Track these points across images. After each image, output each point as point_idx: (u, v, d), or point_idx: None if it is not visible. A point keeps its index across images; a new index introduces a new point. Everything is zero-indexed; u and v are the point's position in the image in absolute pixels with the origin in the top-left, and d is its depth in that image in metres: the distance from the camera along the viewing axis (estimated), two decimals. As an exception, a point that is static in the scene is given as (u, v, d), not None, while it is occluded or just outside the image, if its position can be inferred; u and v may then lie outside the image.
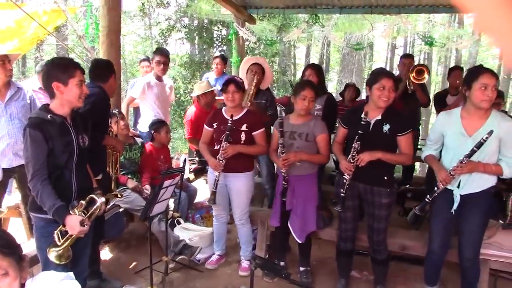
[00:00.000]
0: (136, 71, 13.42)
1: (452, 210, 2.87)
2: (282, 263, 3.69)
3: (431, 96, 5.52)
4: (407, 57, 5.29)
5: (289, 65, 15.46)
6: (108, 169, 3.12)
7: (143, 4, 11.69)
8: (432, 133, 3.03)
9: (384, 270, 3.35)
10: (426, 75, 4.58)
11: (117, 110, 3.69)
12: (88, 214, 2.38)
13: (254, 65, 4.30)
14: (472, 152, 2.63)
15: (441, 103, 4.97)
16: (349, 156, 2.94)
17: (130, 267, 3.79)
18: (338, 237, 3.38)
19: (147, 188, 4.05)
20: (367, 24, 9.70)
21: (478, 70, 2.76)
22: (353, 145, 2.91)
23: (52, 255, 2.30)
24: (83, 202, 2.39)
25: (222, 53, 11.54)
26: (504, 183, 3.50)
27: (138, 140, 4.39)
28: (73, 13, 7.80)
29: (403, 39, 21.80)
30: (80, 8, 9.61)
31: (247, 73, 4.30)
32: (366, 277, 3.66)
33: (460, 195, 2.83)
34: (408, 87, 4.61)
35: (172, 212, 4.04)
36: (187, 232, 4.02)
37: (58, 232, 2.33)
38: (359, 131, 2.89)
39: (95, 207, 2.40)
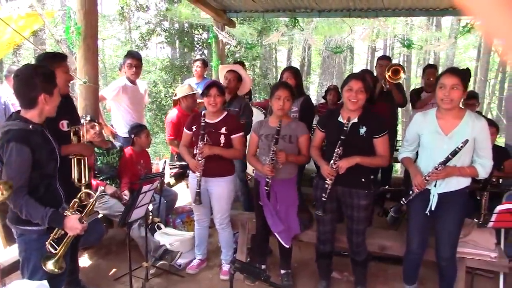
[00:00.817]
0: (116, 75, 13.28)
1: (427, 211, 2.91)
2: (263, 266, 3.69)
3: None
4: (384, 59, 5.37)
5: (271, 68, 15.51)
6: (72, 178, 2.87)
7: (122, 8, 11.59)
8: (408, 134, 3.07)
9: (364, 271, 3.38)
10: (402, 75, 4.65)
11: (88, 116, 3.53)
12: (85, 211, 2.38)
13: (228, 72, 4.31)
14: (447, 159, 2.68)
15: (416, 99, 5.17)
16: (331, 162, 2.95)
17: (110, 273, 3.74)
18: (316, 240, 3.40)
19: (126, 194, 4.01)
20: (346, 28, 9.82)
21: (443, 71, 2.86)
22: (336, 150, 2.92)
23: (50, 265, 2.26)
24: (76, 200, 2.38)
25: (203, 56, 11.55)
26: (479, 182, 3.56)
27: (117, 143, 4.33)
28: (51, 17, 7.69)
29: (383, 42, 22.08)
30: (58, 12, 9.48)
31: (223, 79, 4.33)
32: (347, 277, 3.69)
33: (437, 194, 2.88)
34: (384, 85, 4.67)
35: (152, 217, 4.03)
36: (168, 237, 3.99)
37: (51, 241, 2.31)
38: (341, 137, 2.91)
39: (91, 200, 2.40)
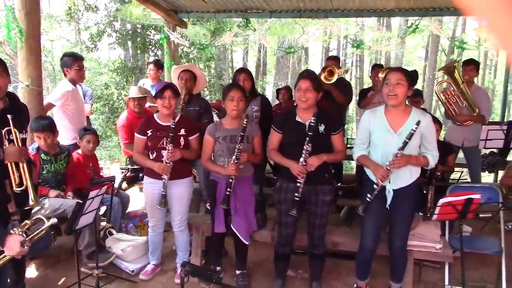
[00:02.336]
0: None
1: (387, 206, 3.00)
2: (218, 268, 3.67)
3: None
4: (331, 59, 5.46)
5: (226, 69, 15.48)
6: (11, 183, 2.65)
7: (69, 8, 11.20)
8: (360, 133, 3.14)
9: (322, 264, 3.43)
10: (335, 76, 4.78)
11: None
12: (30, 236, 2.26)
13: (183, 72, 4.27)
14: (405, 144, 2.78)
15: (362, 98, 5.36)
16: (301, 160, 2.97)
17: (59, 283, 3.60)
18: (276, 242, 3.41)
19: (70, 195, 3.85)
20: (299, 28, 9.96)
21: (390, 69, 2.99)
22: (304, 147, 2.94)
23: None
24: (27, 222, 2.26)
25: (156, 58, 11.36)
26: (425, 177, 3.70)
27: (64, 147, 4.14)
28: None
29: (336, 42, 22.59)
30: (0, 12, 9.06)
31: (178, 80, 4.27)
32: (301, 275, 3.74)
33: (393, 190, 2.98)
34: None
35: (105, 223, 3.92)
36: (120, 243, 3.89)
37: None
38: (309, 133, 2.94)
39: (40, 229, 2.28)
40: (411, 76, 2.93)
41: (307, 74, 3.16)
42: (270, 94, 18.24)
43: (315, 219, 3.20)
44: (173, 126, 3.30)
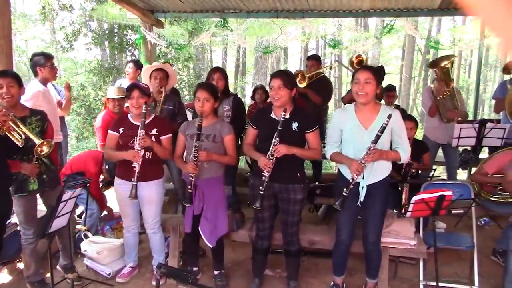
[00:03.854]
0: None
1: (358, 203, 3.04)
2: (195, 269, 3.66)
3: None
4: (311, 59, 5.48)
5: (205, 69, 15.38)
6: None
7: (43, 7, 10.98)
8: (331, 131, 3.18)
9: (297, 262, 3.46)
10: (307, 80, 4.84)
11: None
12: None
13: (157, 71, 4.24)
14: (377, 137, 2.81)
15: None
16: (269, 153, 2.99)
17: (33, 288, 3.53)
18: (255, 237, 3.43)
19: None
20: (277, 28, 9.98)
21: (358, 68, 3.06)
22: (273, 141, 2.97)
23: None
24: None
25: (134, 58, 11.22)
26: (399, 174, 3.76)
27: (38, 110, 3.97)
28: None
29: (315, 42, 22.73)
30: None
31: (150, 79, 4.23)
32: (279, 274, 3.75)
33: (366, 185, 3.02)
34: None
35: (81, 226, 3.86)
36: (96, 246, 3.82)
37: None
38: (278, 127, 2.97)
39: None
40: (379, 74, 3.02)
41: (278, 73, 3.23)
42: (249, 94, 18.25)
43: (288, 216, 3.24)
44: (143, 119, 3.27)
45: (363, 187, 3.03)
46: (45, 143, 2.97)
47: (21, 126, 2.96)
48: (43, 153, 3.00)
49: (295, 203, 3.18)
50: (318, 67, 5.31)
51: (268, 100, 6.24)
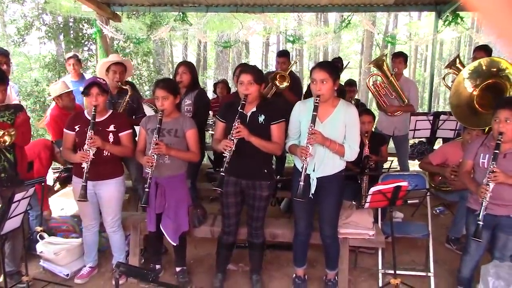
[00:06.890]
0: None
1: (311, 194, 3.08)
2: (158, 266, 3.62)
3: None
4: (281, 56, 5.35)
5: (165, 64, 15.17)
6: None
7: (-7, -1, 10.50)
8: (291, 124, 3.19)
9: (260, 255, 3.48)
10: (285, 83, 4.79)
11: None
12: None
13: (115, 65, 4.14)
14: (314, 117, 2.84)
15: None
16: (229, 136, 2.97)
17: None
18: (221, 231, 3.43)
19: None
20: (238, 23, 9.96)
21: (314, 66, 3.09)
22: (234, 124, 2.94)
23: None
24: None
25: (91, 52, 10.91)
26: (358, 167, 3.85)
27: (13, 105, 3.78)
28: None
29: (276, 37, 22.84)
30: None
31: (107, 73, 4.12)
32: (242, 268, 3.76)
33: (316, 178, 3.06)
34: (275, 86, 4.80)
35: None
36: (53, 246, 3.70)
37: None
38: (239, 110, 2.97)
39: None
40: (335, 70, 3.02)
41: (248, 68, 3.20)
42: (210, 88, 18.14)
43: (253, 211, 3.27)
44: (93, 113, 3.20)
45: (313, 179, 3.07)
46: (6, 133, 2.94)
47: None
48: (6, 144, 3.07)
49: (260, 199, 3.20)
50: (289, 63, 5.26)
51: (232, 93, 6.22)
